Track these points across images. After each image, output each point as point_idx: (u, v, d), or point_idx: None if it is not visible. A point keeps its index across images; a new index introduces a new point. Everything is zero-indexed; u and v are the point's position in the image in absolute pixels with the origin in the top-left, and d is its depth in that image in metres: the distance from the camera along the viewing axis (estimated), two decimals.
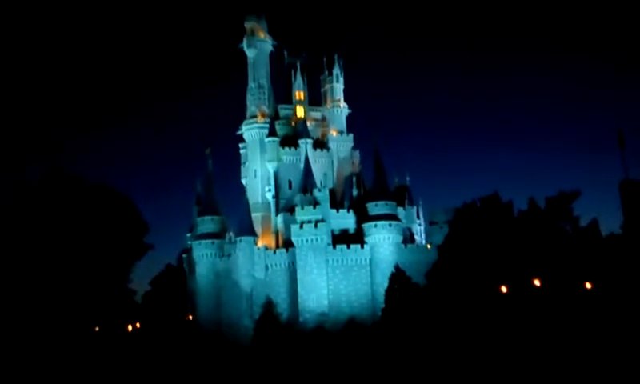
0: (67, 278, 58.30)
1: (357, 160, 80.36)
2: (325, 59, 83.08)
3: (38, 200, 60.69)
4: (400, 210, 73.56)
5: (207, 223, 74.09)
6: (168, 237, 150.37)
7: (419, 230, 76.92)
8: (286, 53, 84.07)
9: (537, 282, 52.48)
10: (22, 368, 53.68)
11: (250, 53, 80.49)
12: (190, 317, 75.06)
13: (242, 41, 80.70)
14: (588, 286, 50.81)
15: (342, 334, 64.07)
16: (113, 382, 59.21)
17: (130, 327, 69.85)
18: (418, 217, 77.30)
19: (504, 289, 53.83)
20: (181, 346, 68.89)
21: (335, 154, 79.46)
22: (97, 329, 63.88)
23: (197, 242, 73.61)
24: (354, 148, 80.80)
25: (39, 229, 58.71)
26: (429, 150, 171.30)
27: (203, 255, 72.99)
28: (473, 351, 50.14)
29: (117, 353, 63.02)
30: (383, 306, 60.67)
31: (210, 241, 73.04)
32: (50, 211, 59.84)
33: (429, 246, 71.18)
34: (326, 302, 67.30)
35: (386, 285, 61.79)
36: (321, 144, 79.98)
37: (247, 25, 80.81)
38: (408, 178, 79.24)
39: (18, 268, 57.25)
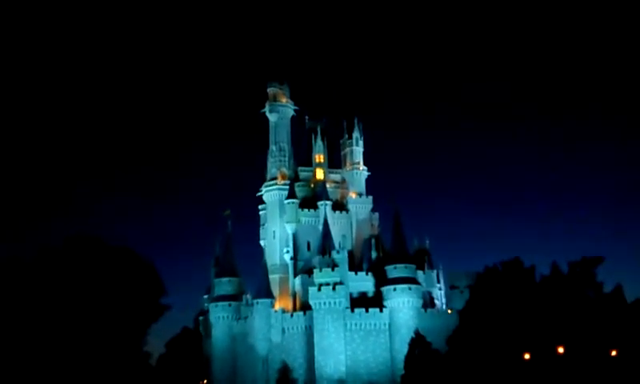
0: (84, 340, 58.02)
1: (376, 222, 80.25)
2: (345, 123, 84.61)
3: (58, 263, 61.21)
4: (420, 273, 72.69)
5: (225, 285, 73.92)
6: (186, 298, 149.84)
7: (439, 295, 75.64)
8: (306, 117, 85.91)
9: (561, 350, 50.81)
10: None
11: (271, 117, 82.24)
12: (205, 381, 73.76)
13: (264, 105, 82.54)
14: (613, 353, 49.03)
15: None
16: None
17: None
18: (438, 281, 76.18)
19: (527, 356, 52.17)
20: None
21: (354, 216, 79.52)
22: None
23: (213, 304, 73.32)
24: (373, 210, 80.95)
25: (58, 291, 58.96)
26: (449, 214, 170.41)
27: (220, 318, 72.54)
28: None
29: None
30: (402, 371, 59.04)
31: (227, 303, 72.75)
32: (70, 273, 60.20)
33: (449, 311, 69.80)
34: (343, 368, 65.75)
35: (405, 350, 60.32)
36: (340, 206, 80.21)
37: (270, 90, 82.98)
38: (428, 241, 78.60)
39: (36, 329, 57.25)
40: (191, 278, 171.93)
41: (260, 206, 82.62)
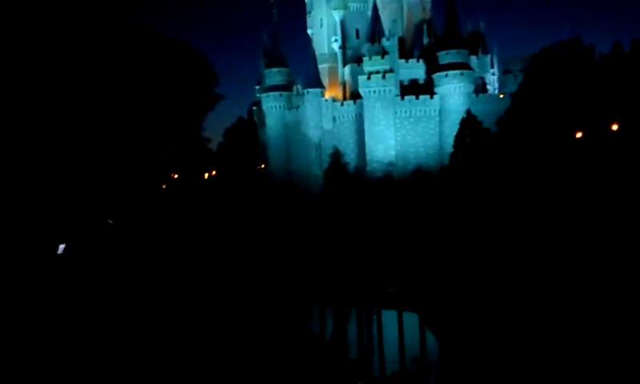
0: (144, 126, 60.86)
1: (428, 6, 76.55)
2: None
3: (110, 54, 62.25)
4: (473, 58, 70.71)
5: (275, 75, 74.24)
6: (238, 90, 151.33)
7: (492, 80, 74.12)
8: None
9: (615, 127, 50.40)
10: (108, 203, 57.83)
11: None
12: (263, 165, 77.50)
13: None
14: None
15: (410, 182, 64.81)
16: (191, 224, 63.29)
17: (206, 175, 73.18)
18: (492, 66, 74.10)
19: (579, 134, 52.12)
20: (254, 193, 71.96)
21: (405, 0, 75.94)
22: (175, 176, 67.44)
23: (265, 94, 74.34)
24: None
25: (112, 82, 60.68)
26: None
27: (272, 107, 73.96)
28: (544, 194, 49.70)
29: (194, 198, 66.72)
30: (452, 151, 60.15)
31: (278, 93, 73.62)
32: (123, 64, 61.46)
33: (502, 96, 68.93)
34: (393, 152, 67.55)
35: (454, 134, 60.91)
36: None
37: None
38: (482, 25, 75.16)
39: (100, 117, 60.06)
40: (242, 70, 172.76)
41: None
